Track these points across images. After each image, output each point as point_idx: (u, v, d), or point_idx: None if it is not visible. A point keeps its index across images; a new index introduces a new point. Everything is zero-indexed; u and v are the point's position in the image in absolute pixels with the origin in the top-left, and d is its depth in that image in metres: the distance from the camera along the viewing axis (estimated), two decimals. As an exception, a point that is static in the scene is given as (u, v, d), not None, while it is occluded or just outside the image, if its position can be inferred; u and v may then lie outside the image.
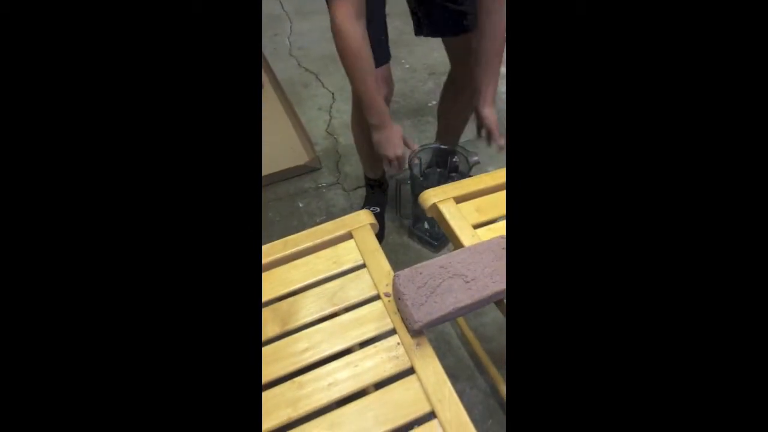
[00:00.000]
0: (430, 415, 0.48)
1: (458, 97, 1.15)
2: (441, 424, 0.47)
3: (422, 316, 0.51)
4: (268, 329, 0.55)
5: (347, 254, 0.63)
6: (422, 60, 1.85)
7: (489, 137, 0.95)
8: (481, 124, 0.95)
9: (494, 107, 0.91)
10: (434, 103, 1.66)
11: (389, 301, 0.57)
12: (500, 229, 0.65)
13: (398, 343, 0.53)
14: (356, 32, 0.74)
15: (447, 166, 1.22)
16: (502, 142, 0.94)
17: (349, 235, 0.64)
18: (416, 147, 0.88)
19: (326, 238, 0.64)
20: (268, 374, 0.51)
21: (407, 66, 1.83)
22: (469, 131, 1.52)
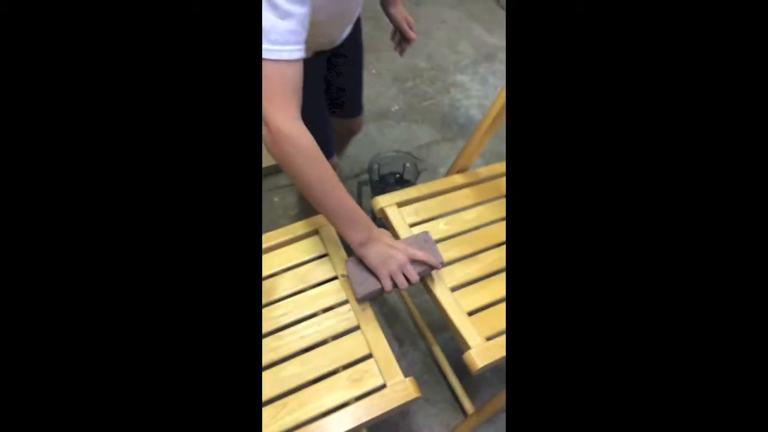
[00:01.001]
0: (369, 356, 0.70)
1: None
2: (375, 361, 0.69)
3: (362, 290, 0.73)
4: (256, 300, 0.76)
5: (314, 246, 0.83)
6: (387, 66, 1.98)
7: (400, 36, 0.97)
8: (394, 27, 0.97)
9: (401, 5, 0.97)
10: (397, 107, 1.85)
11: (344, 280, 0.79)
12: (427, 226, 0.88)
13: (349, 309, 0.75)
14: (307, 133, 0.64)
15: (403, 170, 1.44)
16: (413, 35, 0.95)
17: (315, 232, 0.85)
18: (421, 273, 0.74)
19: (298, 233, 0.84)
20: (256, 331, 0.72)
21: (374, 71, 1.96)
22: (426, 136, 1.73)
